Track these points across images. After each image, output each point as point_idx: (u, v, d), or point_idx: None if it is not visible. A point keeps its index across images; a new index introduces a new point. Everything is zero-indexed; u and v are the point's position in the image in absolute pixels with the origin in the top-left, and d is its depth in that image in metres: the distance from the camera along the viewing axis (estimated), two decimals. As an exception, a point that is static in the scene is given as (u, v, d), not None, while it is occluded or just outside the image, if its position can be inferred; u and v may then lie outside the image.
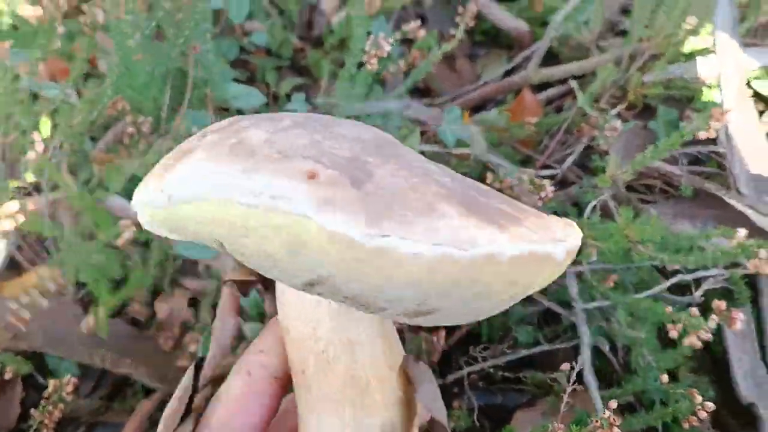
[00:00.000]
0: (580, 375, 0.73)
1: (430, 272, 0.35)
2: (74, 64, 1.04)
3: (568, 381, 0.62)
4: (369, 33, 0.95)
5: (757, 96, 1.04)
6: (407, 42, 1.32)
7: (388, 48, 0.89)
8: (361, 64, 0.95)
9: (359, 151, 0.40)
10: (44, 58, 1.05)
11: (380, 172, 0.38)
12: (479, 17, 1.24)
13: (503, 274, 0.37)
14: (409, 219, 0.35)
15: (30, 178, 1.06)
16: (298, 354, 0.47)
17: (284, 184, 0.35)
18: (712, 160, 0.96)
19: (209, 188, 0.37)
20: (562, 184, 1.00)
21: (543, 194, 0.82)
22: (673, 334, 0.65)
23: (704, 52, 1.04)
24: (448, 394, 0.83)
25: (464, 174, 0.94)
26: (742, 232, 0.63)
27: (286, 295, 0.47)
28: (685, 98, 1.06)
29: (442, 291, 0.37)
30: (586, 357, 0.64)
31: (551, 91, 1.19)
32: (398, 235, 0.34)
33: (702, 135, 0.64)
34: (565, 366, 0.64)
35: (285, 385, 0.53)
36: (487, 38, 1.39)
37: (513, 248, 0.36)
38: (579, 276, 0.79)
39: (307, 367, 0.47)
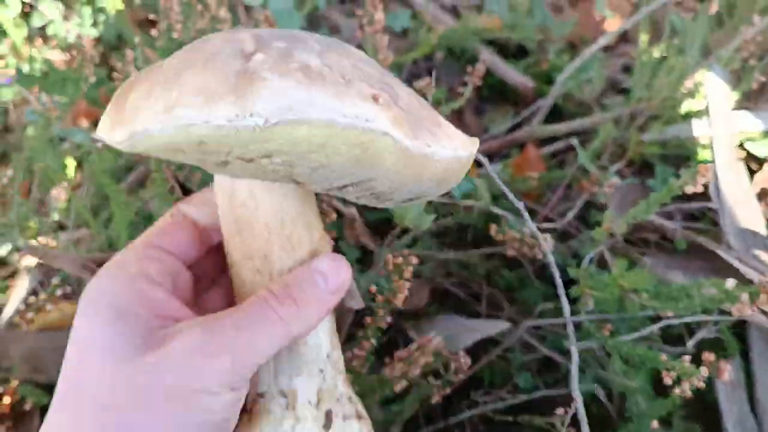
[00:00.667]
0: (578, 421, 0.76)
1: (444, 169, 0.49)
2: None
3: (563, 424, 0.65)
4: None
5: (752, 157, 1.09)
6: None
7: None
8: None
9: (378, 73, 0.48)
10: (72, 103, 1.11)
11: (401, 93, 0.48)
12: (486, 72, 1.31)
13: (460, 167, 0.51)
14: (433, 132, 0.47)
15: (55, 217, 1.12)
16: (264, 242, 0.54)
17: (368, 108, 0.43)
18: (705, 216, 1.01)
19: (316, 112, 0.42)
20: (563, 236, 1.04)
21: (547, 243, 0.86)
22: (668, 380, 0.68)
23: (699, 114, 1.09)
24: (450, 436, 0.86)
25: (469, 225, 0.99)
26: (730, 282, 0.67)
27: (259, 200, 0.54)
28: (682, 157, 1.11)
29: (438, 180, 0.50)
30: (578, 400, 0.67)
31: (555, 146, 1.24)
32: (435, 144, 0.47)
33: (689, 190, 0.68)
34: (560, 411, 0.67)
35: (204, 237, 0.60)
36: (494, 92, 1.45)
37: (462, 153, 0.50)
38: (577, 325, 0.83)
39: (272, 251, 0.54)
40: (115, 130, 0.45)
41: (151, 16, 1.01)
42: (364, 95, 0.43)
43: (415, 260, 0.70)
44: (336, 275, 0.52)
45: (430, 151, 0.46)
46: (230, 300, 0.58)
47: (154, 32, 1.02)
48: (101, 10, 1.37)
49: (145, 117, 0.43)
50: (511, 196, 0.78)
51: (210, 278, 0.63)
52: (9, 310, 1.09)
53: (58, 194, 1.17)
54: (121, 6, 1.35)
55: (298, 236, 0.54)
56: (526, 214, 0.80)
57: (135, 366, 0.47)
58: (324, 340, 0.56)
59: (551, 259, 0.72)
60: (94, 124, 1.38)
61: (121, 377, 0.47)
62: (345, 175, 0.48)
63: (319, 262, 0.53)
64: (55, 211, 1.14)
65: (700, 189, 0.69)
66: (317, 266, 0.52)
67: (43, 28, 1.43)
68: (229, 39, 0.46)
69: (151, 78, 0.46)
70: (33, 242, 0.55)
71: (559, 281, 0.73)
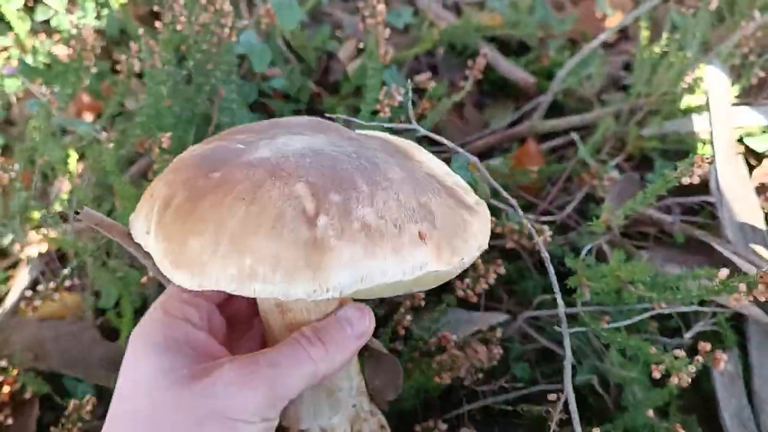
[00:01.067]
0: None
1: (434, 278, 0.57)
2: (107, 105, 1.11)
3: (556, 411, 0.66)
4: (383, 83, 1.01)
5: (751, 152, 1.10)
6: (419, 91, 1.39)
7: (399, 98, 0.95)
8: (375, 112, 1.01)
9: (413, 190, 0.54)
10: (74, 95, 1.12)
11: (435, 210, 0.54)
12: (487, 68, 1.31)
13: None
14: (465, 239, 0.55)
15: (57, 208, 1.12)
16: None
17: (420, 255, 0.50)
18: (704, 210, 1.01)
19: (383, 277, 0.49)
20: (562, 229, 1.05)
21: (542, 238, 0.87)
22: (656, 374, 0.69)
23: (699, 109, 1.09)
24: (448, 426, 0.86)
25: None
26: (724, 271, 0.67)
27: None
28: (681, 152, 1.12)
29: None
30: (569, 394, 0.67)
31: (555, 141, 1.25)
32: (467, 253, 0.54)
33: (686, 181, 0.69)
34: (552, 396, 0.68)
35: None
36: (495, 88, 1.46)
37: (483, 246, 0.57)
38: (575, 316, 0.83)
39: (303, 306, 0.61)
40: (181, 273, 0.49)
41: (156, 8, 1.02)
42: (415, 239, 0.51)
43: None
44: (360, 322, 0.59)
45: (464, 262, 0.54)
46: (262, 343, 0.67)
47: (158, 24, 1.03)
48: (104, 3, 1.37)
49: (218, 275, 0.48)
50: (503, 192, 0.79)
51: (242, 322, 0.70)
52: (11, 300, 1.10)
53: (60, 185, 1.18)
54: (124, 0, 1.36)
55: None
56: (520, 211, 0.80)
57: (182, 392, 0.53)
58: (354, 380, 0.67)
59: (544, 252, 0.73)
60: (98, 116, 1.39)
61: (170, 401, 0.53)
62: (396, 292, 0.64)
63: (345, 311, 0.60)
64: (57, 201, 1.14)
65: (697, 181, 0.69)
66: (344, 314, 0.60)
67: (47, 22, 1.44)
68: (287, 196, 0.50)
69: (208, 219, 0.49)
70: (88, 209, 0.57)
71: (551, 271, 0.73)
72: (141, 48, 1.01)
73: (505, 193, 0.82)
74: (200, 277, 0.48)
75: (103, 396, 1.00)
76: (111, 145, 0.97)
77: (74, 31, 1.04)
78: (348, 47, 1.39)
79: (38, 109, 1.06)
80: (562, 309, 0.70)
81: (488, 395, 0.89)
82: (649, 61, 1.15)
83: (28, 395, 0.97)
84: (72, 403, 0.85)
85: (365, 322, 0.60)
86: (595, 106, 1.26)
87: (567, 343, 0.68)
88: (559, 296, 0.72)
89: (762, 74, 1.09)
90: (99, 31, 1.33)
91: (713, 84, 1.07)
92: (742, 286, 0.62)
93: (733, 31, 1.17)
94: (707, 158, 0.66)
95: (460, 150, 0.80)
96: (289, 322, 0.61)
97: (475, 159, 0.81)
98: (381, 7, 0.91)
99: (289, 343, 0.57)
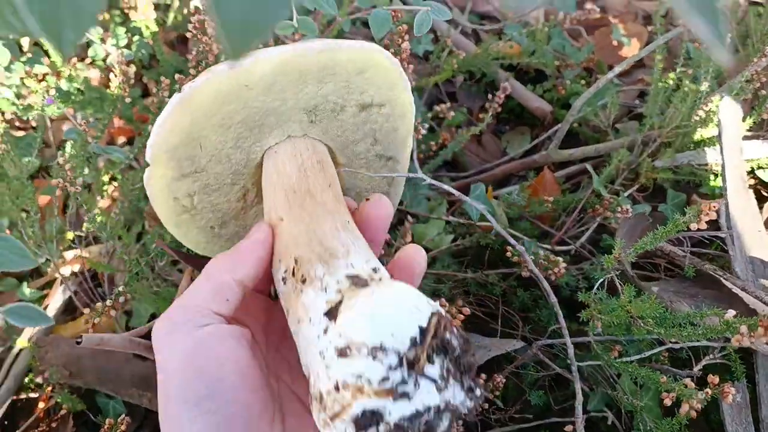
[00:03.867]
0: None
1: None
2: (141, 134, 1.16)
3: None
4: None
5: (763, 184, 1.12)
6: (438, 118, 1.43)
7: (423, 132, 0.99)
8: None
9: None
10: (108, 120, 1.17)
11: None
12: (505, 95, 1.35)
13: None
14: None
15: (90, 229, 1.17)
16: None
17: None
18: (714, 242, 1.04)
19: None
20: (576, 258, 1.08)
21: (556, 269, 0.90)
22: (667, 402, 0.72)
23: (711, 141, 1.13)
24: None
25: (487, 245, 1.03)
26: (731, 312, 0.71)
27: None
28: (693, 183, 1.15)
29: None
30: (578, 411, 0.71)
31: (570, 169, 1.28)
32: None
33: (693, 227, 0.72)
34: (569, 428, 0.71)
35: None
36: (512, 115, 1.49)
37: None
38: (588, 345, 0.86)
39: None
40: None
41: (188, 34, 1.06)
42: None
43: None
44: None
45: None
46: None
47: (189, 56, 1.08)
48: (136, 30, 1.43)
49: None
50: (507, 236, 0.82)
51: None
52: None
53: (93, 208, 1.23)
54: (154, 27, 1.41)
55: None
56: (523, 251, 0.84)
57: None
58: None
59: (545, 284, 0.76)
60: (129, 140, 1.44)
61: None
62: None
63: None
64: (90, 224, 1.19)
65: (704, 226, 0.72)
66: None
67: (82, 48, 1.49)
68: None
69: None
70: (87, 336, 0.63)
71: (556, 307, 0.77)
72: (172, 82, 1.06)
73: (507, 236, 0.85)
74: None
75: (133, 413, 1.04)
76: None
77: (109, 60, 1.09)
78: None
79: (74, 135, 1.11)
80: (570, 349, 0.73)
81: (502, 423, 0.92)
82: (662, 93, 1.18)
83: (63, 411, 1.01)
84: (107, 421, 0.89)
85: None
86: (610, 135, 1.29)
87: (578, 386, 0.71)
88: (566, 333, 0.76)
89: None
90: (130, 62, 1.38)
91: (725, 117, 1.10)
92: (744, 328, 0.65)
93: (746, 64, 1.20)
94: (715, 205, 0.69)
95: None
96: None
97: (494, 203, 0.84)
98: (405, 45, 0.95)
99: None
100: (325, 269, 0.57)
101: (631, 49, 1.59)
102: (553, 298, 0.81)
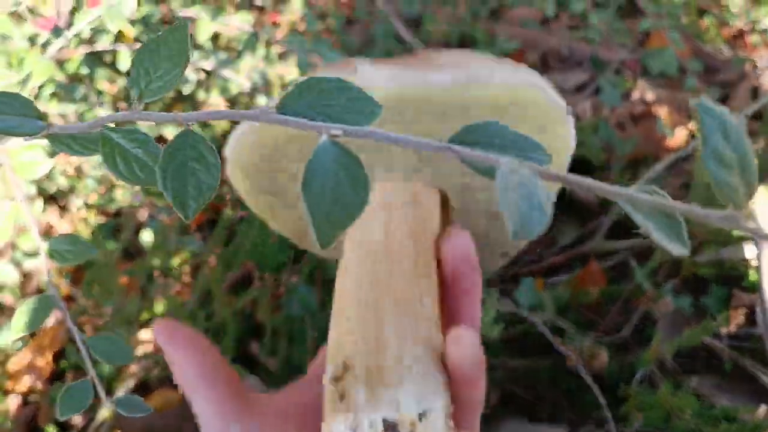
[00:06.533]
0: None
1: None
2: (217, 231, 1.29)
3: None
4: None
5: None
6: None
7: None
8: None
9: None
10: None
11: None
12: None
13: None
14: None
15: (161, 311, 1.29)
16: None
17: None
18: (753, 336, 1.09)
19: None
20: (621, 348, 1.14)
21: (598, 359, 0.97)
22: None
23: (749, 238, 1.19)
24: None
25: (534, 334, 1.10)
26: (762, 409, 0.77)
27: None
28: (736, 276, 1.20)
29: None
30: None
31: (616, 258, 1.35)
32: None
33: (723, 330, 0.79)
34: None
35: None
36: (563, 204, 1.57)
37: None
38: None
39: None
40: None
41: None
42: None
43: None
44: None
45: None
46: None
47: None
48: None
49: None
50: (548, 334, 0.90)
51: None
52: (121, 392, 1.25)
53: (167, 293, 1.35)
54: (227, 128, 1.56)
55: None
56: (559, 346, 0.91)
57: None
58: None
59: (588, 377, 0.83)
60: (199, 226, 1.57)
61: None
62: None
63: None
64: (163, 305, 1.31)
65: (734, 329, 0.79)
66: None
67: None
68: None
69: None
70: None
71: (600, 397, 0.83)
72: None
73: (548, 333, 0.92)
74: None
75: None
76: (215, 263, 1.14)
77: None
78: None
79: (155, 225, 1.25)
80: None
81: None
82: (704, 187, 1.25)
83: (141, 479, 1.11)
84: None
85: None
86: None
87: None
88: (611, 420, 0.82)
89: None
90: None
91: (762, 212, 1.16)
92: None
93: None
94: (743, 310, 0.76)
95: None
96: None
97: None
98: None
99: None
100: (366, 398, 0.46)
101: (675, 140, 1.66)
102: (596, 389, 0.88)
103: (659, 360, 1.00)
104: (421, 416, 0.45)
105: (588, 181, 0.35)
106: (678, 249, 0.32)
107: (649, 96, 1.78)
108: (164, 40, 0.32)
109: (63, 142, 0.34)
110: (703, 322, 0.85)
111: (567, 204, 1.58)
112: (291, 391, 0.60)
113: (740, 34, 1.89)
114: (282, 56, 1.45)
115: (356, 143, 0.33)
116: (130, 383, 1.27)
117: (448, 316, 0.54)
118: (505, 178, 0.31)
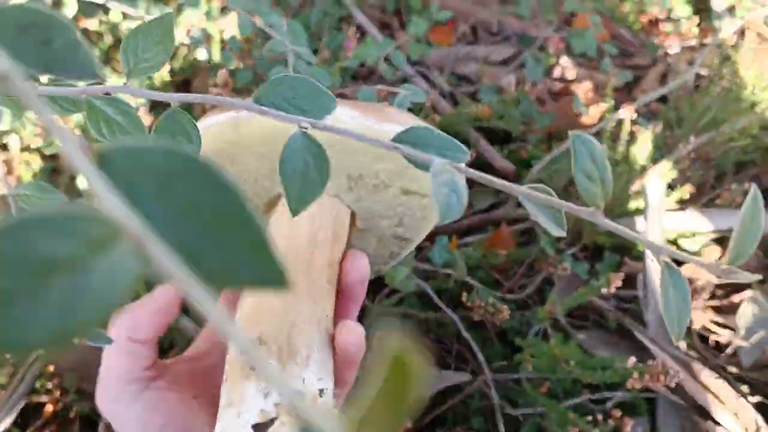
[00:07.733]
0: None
1: None
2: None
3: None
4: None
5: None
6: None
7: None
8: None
9: None
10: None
11: None
12: (477, 154, 1.54)
13: None
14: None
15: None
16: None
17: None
18: (636, 299, 1.23)
19: None
20: (522, 306, 1.26)
21: (500, 315, 1.08)
22: (576, 433, 0.90)
23: (642, 212, 1.32)
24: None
25: (446, 290, 1.21)
26: (631, 360, 0.89)
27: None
28: (628, 246, 1.34)
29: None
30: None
31: (524, 224, 1.47)
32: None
33: (609, 292, 0.91)
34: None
35: None
36: (481, 170, 1.67)
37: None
38: (516, 382, 1.04)
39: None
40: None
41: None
42: None
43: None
44: None
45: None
46: None
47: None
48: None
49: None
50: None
51: None
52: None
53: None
54: (167, 78, 1.58)
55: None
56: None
57: None
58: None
59: (467, 335, 0.94)
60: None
61: None
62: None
63: None
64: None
65: (613, 290, 0.91)
66: None
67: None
68: None
69: None
70: None
71: (476, 349, 0.94)
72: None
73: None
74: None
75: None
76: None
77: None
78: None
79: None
80: (495, 398, 0.91)
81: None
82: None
83: (72, 415, 1.16)
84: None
85: None
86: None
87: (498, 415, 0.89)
88: (484, 362, 0.94)
89: (693, 190, 1.32)
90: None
91: (651, 193, 1.29)
92: (635, 374, 0.83)
93: (681, 141, 1.40)
94: (622, 275, 0.88)
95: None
96: None
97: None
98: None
99: None
100: (279, 370, 0.52)
101: (590, 117, 1.78)
102: (478, 351, 0.98)
103: (553, 318, 1.12)
104: (321, 392, 0.55)
105: (490, 178, 0.44)
106: (557, 231, 0.43)
107: (569, 74, 1.89)
108: (151, 28, 0.40)
109: (55, 101, 0.40)
110: (589, 284, 0.97)
111: (485, 172, 1.68)
112: (182, 361, 0.70)
113: (656, 22, 2.02)
114: (224, 10, 1.49)
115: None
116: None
117: (337, 314, 0.66)
118: (437, 175, 0.41)
